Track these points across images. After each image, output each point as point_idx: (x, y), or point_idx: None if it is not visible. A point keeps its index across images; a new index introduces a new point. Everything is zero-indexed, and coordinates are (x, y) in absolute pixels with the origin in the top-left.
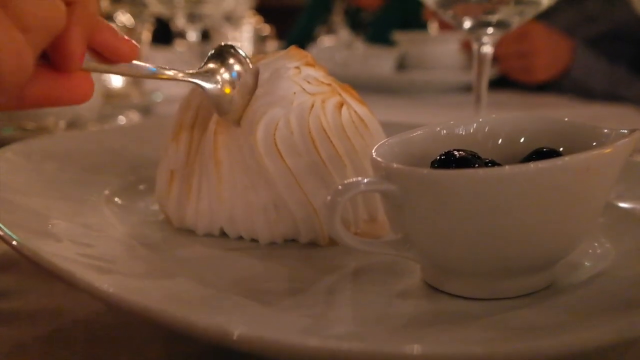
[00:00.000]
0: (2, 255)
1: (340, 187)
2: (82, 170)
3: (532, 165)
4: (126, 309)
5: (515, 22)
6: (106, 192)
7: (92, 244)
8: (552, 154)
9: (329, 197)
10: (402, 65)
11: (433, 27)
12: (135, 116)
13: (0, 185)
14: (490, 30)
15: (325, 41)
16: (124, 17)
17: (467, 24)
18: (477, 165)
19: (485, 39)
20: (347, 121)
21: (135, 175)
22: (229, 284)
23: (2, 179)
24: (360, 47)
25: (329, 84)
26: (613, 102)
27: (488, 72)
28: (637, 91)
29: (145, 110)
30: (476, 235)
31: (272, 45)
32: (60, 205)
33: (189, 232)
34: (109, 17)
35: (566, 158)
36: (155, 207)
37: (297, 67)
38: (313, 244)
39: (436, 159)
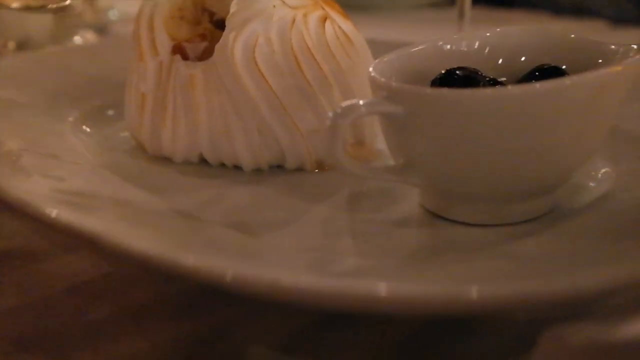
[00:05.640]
0: None
1: (340, 109)
2: (43, 95)
3: (544, 84)
4: (110, 250)
5: None
6: (70, 119)
7: (64, 177)
8: (554, 71)
9: (329, 121)
10: None
11: None
12: (91, 37)
13: None
14: None
15: None
16: None
17: None
18: (480, 83)
19: None
20: (332, 37)
21: (101, 99)
22: (216, 215)
23: None
24: None
25: None
26: (582, 17)
27: None
28: (605, 4)
29: (101, 29)
30: (483, 157)
31: None
32: (25, 136)
33: (166, 159)
34: None
35: (580, 77)
36: (126, 133)
37: None
38: (300, 170)
39: (437, 77)
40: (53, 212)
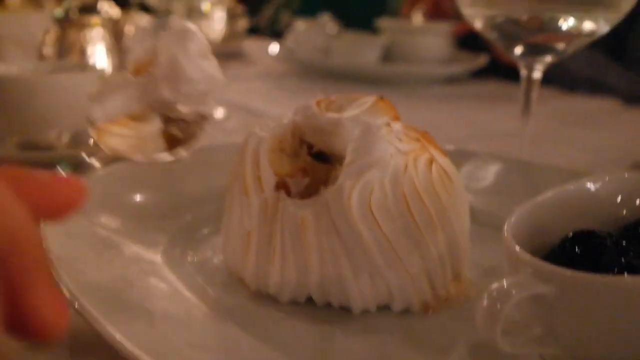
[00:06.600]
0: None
1: (495, 293)
2: (131, 218)
3: None
4: None
5: (571, 50)
6: (162, 246)
7: (188, 343)
8: None
9: (486, 302)
10: (386, 56)
11: (417, 16)
12: None
13: (63, 257)
14: (548, 58)
15: (301, 25)
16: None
17: (519, 49)
18: (608, 249)
19: (537, 65)
20: (436, 178)
21: (189, 218)
22: None
23: (61, 247)
24: (342, 33)
25: (417, 139)
26: (597, 93)
27: (536, 95)
28: (618, 78)
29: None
30: (629, 333)
31: (243, 24)
32: (129, 281)
33: (269, 297)
34: (93, 7)
35: None
36: (220, 258)
37: (388, 124)
38: (406, 311)
39: (566, 240)
40: None
